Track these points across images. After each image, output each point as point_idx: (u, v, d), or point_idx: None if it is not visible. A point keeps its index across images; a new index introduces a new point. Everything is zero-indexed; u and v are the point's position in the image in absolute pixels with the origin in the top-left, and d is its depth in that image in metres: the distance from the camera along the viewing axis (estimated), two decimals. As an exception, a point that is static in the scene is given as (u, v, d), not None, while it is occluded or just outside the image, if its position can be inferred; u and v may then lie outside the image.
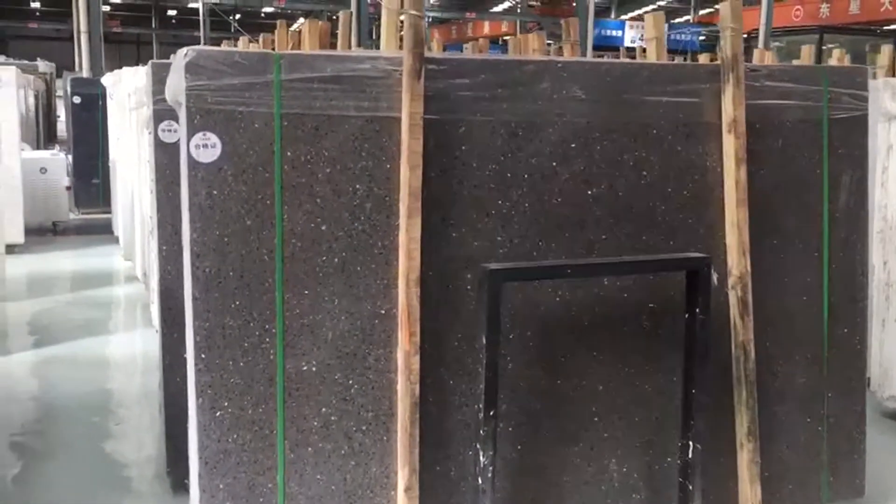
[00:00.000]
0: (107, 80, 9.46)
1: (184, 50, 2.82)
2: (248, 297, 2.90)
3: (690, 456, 3.22)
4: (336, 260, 2.99)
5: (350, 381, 3.03)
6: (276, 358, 2.94)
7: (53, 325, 6.80)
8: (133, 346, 6.38)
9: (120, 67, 9.88)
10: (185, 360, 3.99)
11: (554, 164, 3.21)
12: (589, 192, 3.26)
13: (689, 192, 3.38)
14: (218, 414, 2.90)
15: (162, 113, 3.86)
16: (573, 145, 3.23)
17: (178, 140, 3.90)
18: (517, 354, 3.22)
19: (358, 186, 3.00)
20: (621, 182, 3.30)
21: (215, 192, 2.85)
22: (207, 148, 2.83)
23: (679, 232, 3.38)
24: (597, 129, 3.25)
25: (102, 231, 10.77)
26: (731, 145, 3.33)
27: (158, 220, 3.90)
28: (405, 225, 2.99)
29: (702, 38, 33.17)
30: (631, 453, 3.38)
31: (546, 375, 3.26)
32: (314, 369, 2.99)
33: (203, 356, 2.87)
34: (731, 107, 3.30)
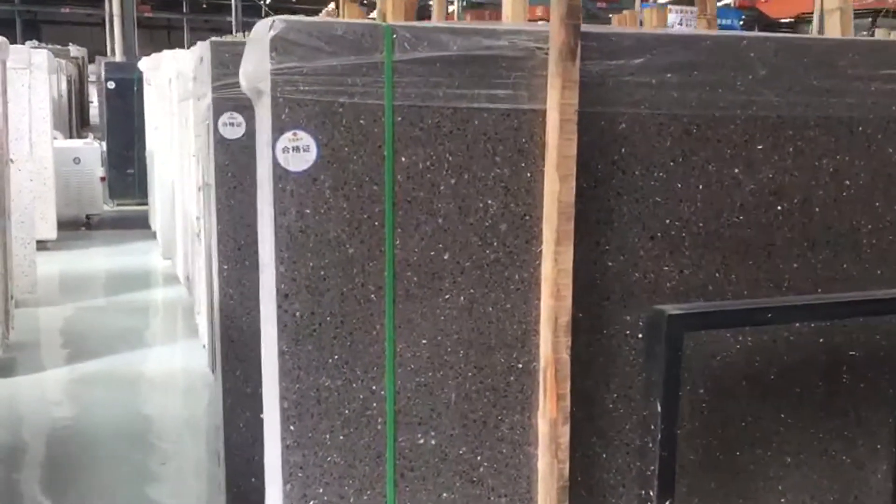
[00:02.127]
0: (144, 64, 8.80)
1: (269, 20, 2.11)
2: (349, 348, 2.20)
3: (904, 548, 2.49)
4: (462, 298, 2.28)
5: (478, 458, 2.32)
6: (386, 428, 2.24)
7: (88, 335, 6.17)
8: (175, 361, 5.73)
9: (150, 53, 9.24)
10: (250, 401, 3.32)
11: (736, 171, 2.48)
12: (778, 208, 2.52)
13: (902, 206, 2.62)
14: None
15: (222, 102, 3.17)
16: (760, 147, 2.49)
17: (242, 135, 3.22)
18: (686, 418, 2.49)
19: (490, 202, 2.28)
20: (818, 195, 2.55)
21: (308, 212, 2.15)
22: (299, 152, 2.12)
23: (889, 260, 2.62)
24: (789, 126, 2.51)
25: (138, 224, 10.15)
26: (960, 147, 2.57)
27: (218, 232, 3.21)
28: (552, 253, 2.27)
29: (741, 21, 32.02)
30: (828, 544, 2.65)
31: (721, 445, 2.53)
32: (433, 442, 2.28)
33: (292, 428, 2.17)
34: (962, 97, 2.54)
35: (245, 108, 3.16)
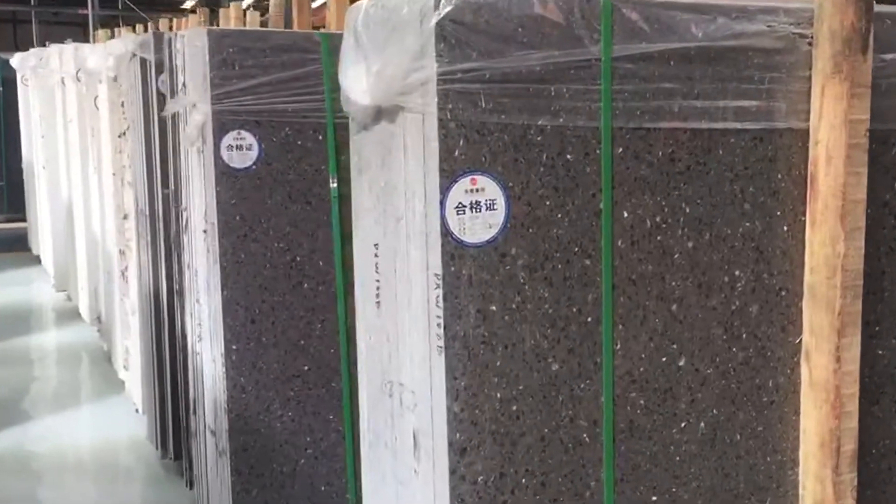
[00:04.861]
0: (20, 60, 7.51)
1: (427, -10, 1.24)
2: (556, 525, 1.36)
3: None
4: (702, 425, 1.47)
5: None
6: None
7: (-25, 398, 4.97)
8: (101, 432, 4.59)
9: None
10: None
11: None
12: None
13: None
14: None
15: (226, 118, 2.23)
16: None
17: (254, 163, 2.30)
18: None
19: (738, 273, 1.48)
20: None
21: (494, 309, 1.29)
22: (479, 212, 1.26)
23: None
24: None
25: (13, 246, 8.78)
26: None
27: (224, 299, 2.27)
28: (831, 347, 1.49)
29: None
30: None
31: None
32: None
33: None
34: None
35: (257, 124, 2.24)
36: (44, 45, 7.67)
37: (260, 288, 2.29)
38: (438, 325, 1.26)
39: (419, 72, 1.23)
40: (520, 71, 1.27)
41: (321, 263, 2.35)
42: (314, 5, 6.08)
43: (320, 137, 2.32)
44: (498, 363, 1.29)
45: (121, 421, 4.52)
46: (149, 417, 4.13)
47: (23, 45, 11.52)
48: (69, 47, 5.62)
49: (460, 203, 1.24)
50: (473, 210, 1.25)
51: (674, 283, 1.42)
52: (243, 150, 2.23)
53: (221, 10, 5.42)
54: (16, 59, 7.71)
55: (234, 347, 2.29)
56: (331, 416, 2.40)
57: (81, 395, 5.15)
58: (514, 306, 1.30)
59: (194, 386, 2.92)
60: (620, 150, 1.36)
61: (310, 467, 2.38)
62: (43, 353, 5.84)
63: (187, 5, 19.96)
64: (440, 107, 1.23)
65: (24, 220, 8.85)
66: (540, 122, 1.29)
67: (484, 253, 1.27)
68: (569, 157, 1.32)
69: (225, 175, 2.23)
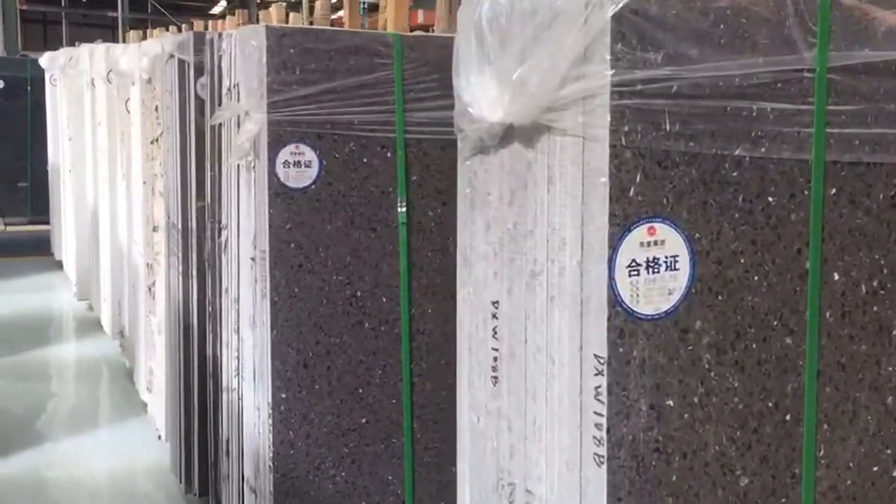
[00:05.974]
0: (49, 60, 7.26)
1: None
2: None
3: None
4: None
5: None
6: None
7: (-10, 415, 4.67)
8: (120, 457, 4.27)
9: (25, 49, 7.75)
10: None
11: None
12: None
13: None
14: None
15: (283, 129, 1.89)
16: None
17: (313, 182, 1.97)
18: None
19: (964, 354, 1.13)
20: None
21: (671, 403, 0.95)
22: (658, 272, 0.92)
23: None
24: None
25: (35, 250, 8.51)
26: None
27: (273, 339, 1.93)
28: None
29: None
30: None
31: None
32: None
33: None
34: None
35: (318, 138, 1.91)
36: (73, 46, 7.44)
37: (314, 327, 1.95)
38: (598, 425, 0.92)
39: (581, 81, 0.90)
40: (716, 83, 0.93)
41: (384, 300, 2.02)
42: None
43: (389, 155, 1.99)
44: (673, 478, 0.95)
45: (142, 447, 4.19)
46: (172, 446, 3.81)
47: (52, 46, 11.33)
48: (100, 47, 5.33)
49: (634, 261, 0.91)
50: (650, 270, 0.91)
51: (890, 369, 1.08)
52: (301, 166, 1.90)
53: (262, 12, 5.11)
54: (44, 59, 7.45)
55: (282, 396, 1.95)
56: (389, 477, 2.07)
57: (100, 416, 4.82)
58: (695, 400, 0.96)
59: (228, 426, 2.59)
60: (833, 191, 1.02)
61: (365, 537, 2.04)
62: (61, 367, 5.53)
63: (215, 10, 19.80)
64: (613, 128, 0.89)
65: (47, 223, 8.60)
66: (737, 153, 0.95)
67: (661, 328, 0.93)
68: (770, 199, 0.98)
69: (279, 196, 1.89)
